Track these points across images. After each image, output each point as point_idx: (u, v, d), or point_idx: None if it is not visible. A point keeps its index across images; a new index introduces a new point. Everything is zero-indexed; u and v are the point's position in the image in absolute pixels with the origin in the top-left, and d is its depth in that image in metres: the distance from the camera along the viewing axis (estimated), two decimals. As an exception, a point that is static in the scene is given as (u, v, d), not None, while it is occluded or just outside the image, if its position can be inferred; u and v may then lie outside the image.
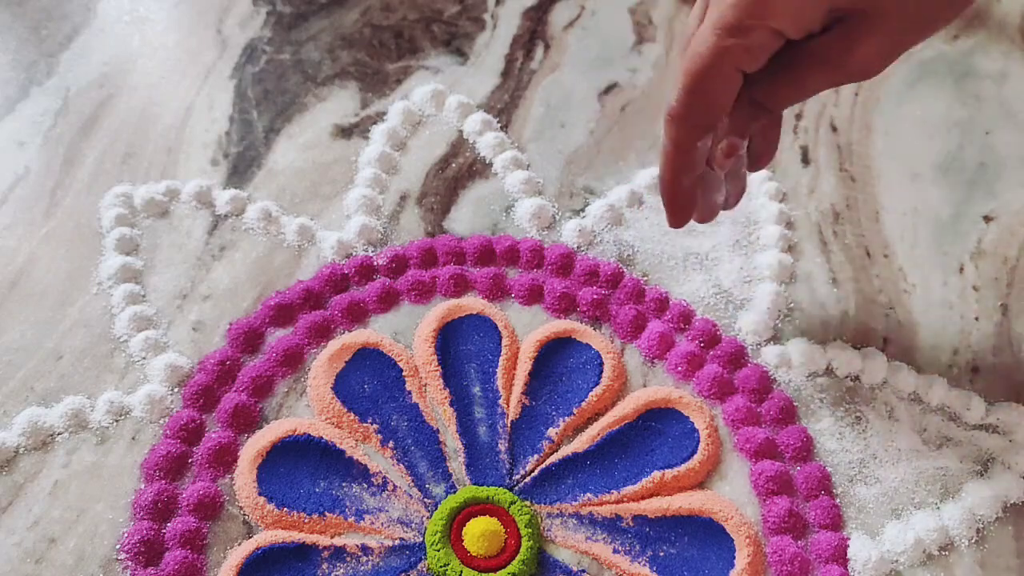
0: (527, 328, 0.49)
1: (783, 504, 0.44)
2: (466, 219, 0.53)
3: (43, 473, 0.43)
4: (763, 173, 0.56)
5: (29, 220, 0.52)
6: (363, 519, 0.43)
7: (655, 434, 0.46)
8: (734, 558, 0.42)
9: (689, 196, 0.42)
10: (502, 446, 0.45)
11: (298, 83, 0.60)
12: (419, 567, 0.42)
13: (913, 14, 0.37)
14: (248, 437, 0.45)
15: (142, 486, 0.43)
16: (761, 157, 0.44)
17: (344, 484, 0.43)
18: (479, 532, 0.42)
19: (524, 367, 0.47)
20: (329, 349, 0.47)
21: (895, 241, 0.54)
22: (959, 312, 0.52)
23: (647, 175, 0.56)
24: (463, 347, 0.48)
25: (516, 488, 0.44)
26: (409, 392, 0.46)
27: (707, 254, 0.53)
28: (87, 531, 0.42)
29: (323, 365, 0.47)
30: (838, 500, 0.45)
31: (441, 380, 0.47)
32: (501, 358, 0.47)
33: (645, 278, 0.52)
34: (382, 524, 0.43)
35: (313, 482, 0.43)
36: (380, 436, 0.45)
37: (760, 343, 0.50)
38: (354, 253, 0.52)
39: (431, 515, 0.43)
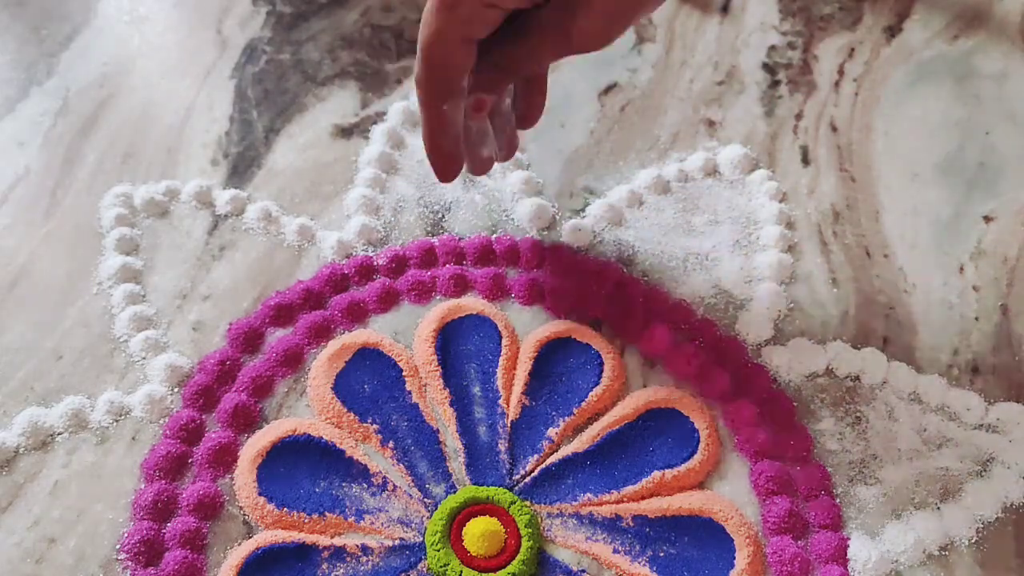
0: (527, 328, 0.49)
1: (783, 504, 0.44)
2: (466, 219, 0.53)
3: (43, 473, 0.43)
4: (763, 173, 0.56)
5: (29, 220, 0.52)
6: (363, 519, 0.43)
7: (655, 434, 0.46)
8: (734, 558, 0.42)
9: (451, 153, 0.44)
10: (502, 446, 0.45)
11: (298, 83, 0.60)
12: (419, 567, 0.42)
13: None
14: (248, 437, 0.45)
15: (142, 486, 0.43)
16: (526, 116, 0.48)
17: (344, 484, 0.43)
18: (479, 532, 0.42)
19: (524, 367, 0.47)
20: (329, 349, 0.47)
21: (895, 241, 0.54)
22: (959, 312, 0.52)
23: (647, 175, 0.56)
24: (463, 347, 0.48)
25: (516, 488, 0.44)
26: (409, 392, 0.46)
27: (707, 254, 0.53)
28: (87, 531, 0.42)
29: (323, 365, 0.47)
30: (838, 500, 0.45)
31: (441, 380, 0.47)
32: (501, 358, 0.47)
33: (645, 278, 0.52)
34: (382, 524, 0.43)
35: (313, 482, 0.43)
36: (380, 436, 0.45)
37: (760, 343, 0.50)
38: (354, 253, 0.52)
39: (431, 515, 0.43)
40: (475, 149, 0.46)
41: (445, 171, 0.45)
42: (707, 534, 0.43)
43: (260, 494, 0.43)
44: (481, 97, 0.43)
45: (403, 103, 0.58)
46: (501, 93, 0.45)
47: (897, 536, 0.44)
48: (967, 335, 0.51)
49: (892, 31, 0.65)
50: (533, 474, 0.45)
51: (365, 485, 0.43)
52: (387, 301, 0.50)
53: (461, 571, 0.41)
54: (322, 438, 0.44)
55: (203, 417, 0.45)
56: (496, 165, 0.49)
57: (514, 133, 0.49)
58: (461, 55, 0.41)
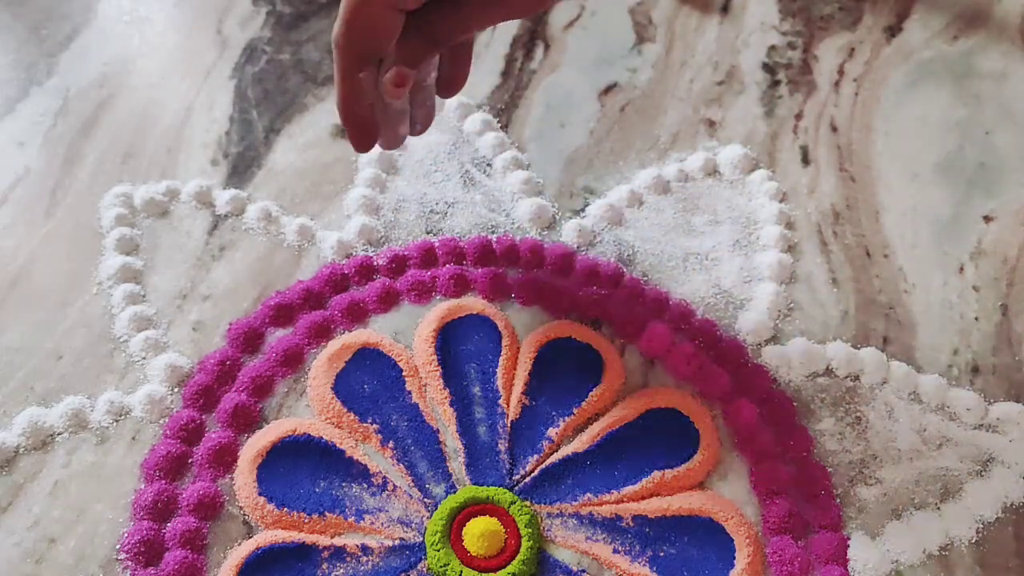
0: (527, 328, 0.49)
1: (783, 504, 0.44)
2: (466, 219, 0.53)
3: (43, 473, 0.43)
4: (763, 173, 0.56)
5: (29, 220, 0.52)
6: (363, 519, 0.43)
7: (655, 434, 0.46)
8: (734, 558, 0.42)
9: (365, 121, 0.43)
10: (502, 446, 0.45)
11: (298, 83, 0.60)
12: (419, 567, 0.42)
13: None
14: (248, 437, 0.45)
15: (142, 486, 0.43)
16: (451, 83, 0.46)
17: (344, 484, 0.43)
18: (479, 532, 0.42)
19: (524, 367, 0.47)
20: (329, 349, 0.47)
21: (895, 241, 0.54)
22: (959, 312, 0.52)
23: (647, 175, 0.56)
24: (463, 347, 0.48)
25: (516, 488, 0.44)
26: (409, 392, 0.46)
27: (707, 254, 0.53)
28: (87, 531, 0.42)
29: (323, 365, 0.47)
30: (838, 500, 0.45)
31: (441, 380, 0.47)
32: (501, 358, 0.47)
33: (645, 278, 0.52)
34: (382, 524, 0.43)
35: (313, 482, 0.43)
36: (380, 436, 0.45)
37: (760, 343, 0.50)
38: (354, 253, 0.52)
39: (431, 515, 0.43)
40: (391, 125, 0.45)
41: (360, 140, 0.44)
42: (707, 534, 0.43)
43: (260, 494, 0.43)
44: (403, 71, 0.41)
45: (403, 103, 0.58)
46: (422, 67, 0.43)
47: (897, 536, 0.44)
48: (967, 335, 0.51)
49: (892, 31, 0.65)
50: (533, 474, 0.45)
51: (365, 485, 0.43)
52: (387, 301, 0.50)
53: (461, 571, 0.41)
54: (322, 438, 0.44)
55: (203, 417, 0.45)
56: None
57: (432, 105, 0.47)
58: (388, 23, 0.39)
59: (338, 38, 0.40)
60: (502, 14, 0.40)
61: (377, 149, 0.46)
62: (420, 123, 0.47)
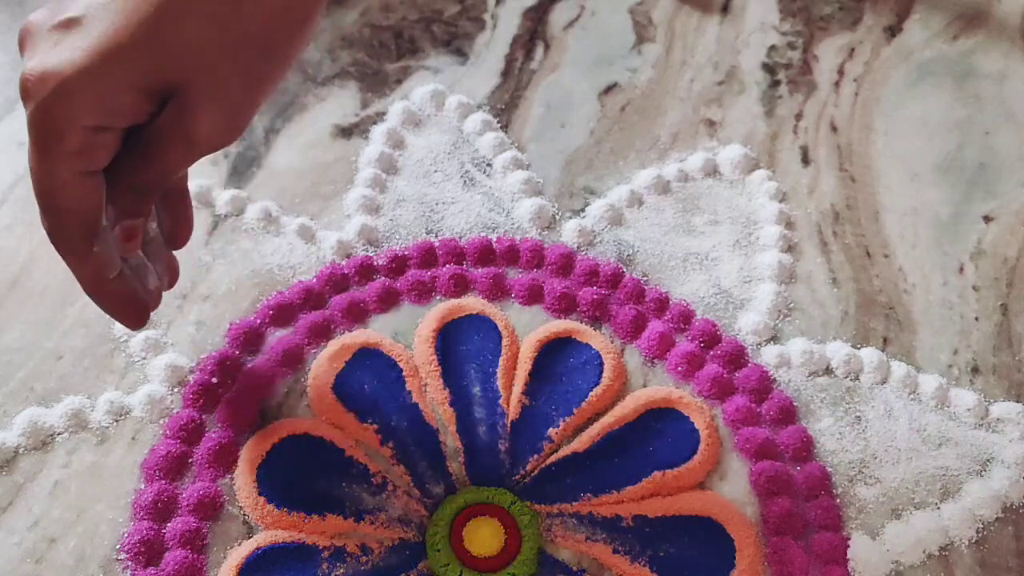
0: (527, 328, 0.49)
1: (783, 504, 0.44)
2: (466, 219, 0.53)
3: (43, 473, 0.43)
4: (763, 173, 0.56)
5: (29, 220, 0.52)
6: (363, 519, 0.42)
7: (655, 434, 0.46)
8: (734, 558, 0.42)
9: (126, 295, 0.38)
10: (502, 446, 0.45)
11: (298, 83, 0.60)
12: (419, 567, 0.42)
13: (239, 78, 0.34)
14: (248, 437, 0.45)
15: (142, 486, 0.43)
16: (175, 235, 0.41)
17: (344, 484, 0.43)
18: (479, 532, 0.42)
19: (524, 367, 0.47)
20: (329, 349, 0.47)
21: (895, 241, 0.54)
22: (959, 312, 0.52)
23: (647, 175, 0.56)
24: (463, 347, 0.48)
25: (516, 488, 0.44)
26: (409, 392, 0.46)
27: (707, 254, 0.53)
28: (87, 531, 0.42)
29: (323, 365, 0.47)
30: (838, 500, 0.45)
31: (441, 380, 0.47)
32: (501, 358, 0.47)
33: (645, 278, 0.52)
34: (382, 524, 0.43)
35: (313, 482, 0.43)
36: (380, 436, 0.45)
37: (760, 343, 0.50)
38: (354, 253, 0.52)
39: (431, 515, 0.43)
40: (141, 283, 0.40)
41: (129, 316, 0.39)
42: (707, 534, 0.43)
43: (260, 494, 0.43)
44: (128, 224, 0.36)
45: (403, 103, 0.58)
46: (146, 214, 0.37)
47: (897, 536, 0.44)
48: (967, 335, 0.51)
49: (892, 31, 0.65)
50: (533, 474, 0.45)
51: (365, 485, 0.43)
52: (387, 301, 0.50)
53: (461, 571, 0.41)
54: (322, 438, 0.44)
55: (203, 417, 0.45)
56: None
57: (171, 256, 0.42)
58: (88, 192, 0.34)
59: (47, 226, 0.35)
60: (193, 154, 0.35)
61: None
62: (165, 275, 0.42)
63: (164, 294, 0.49)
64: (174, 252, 0.42)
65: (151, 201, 0.37)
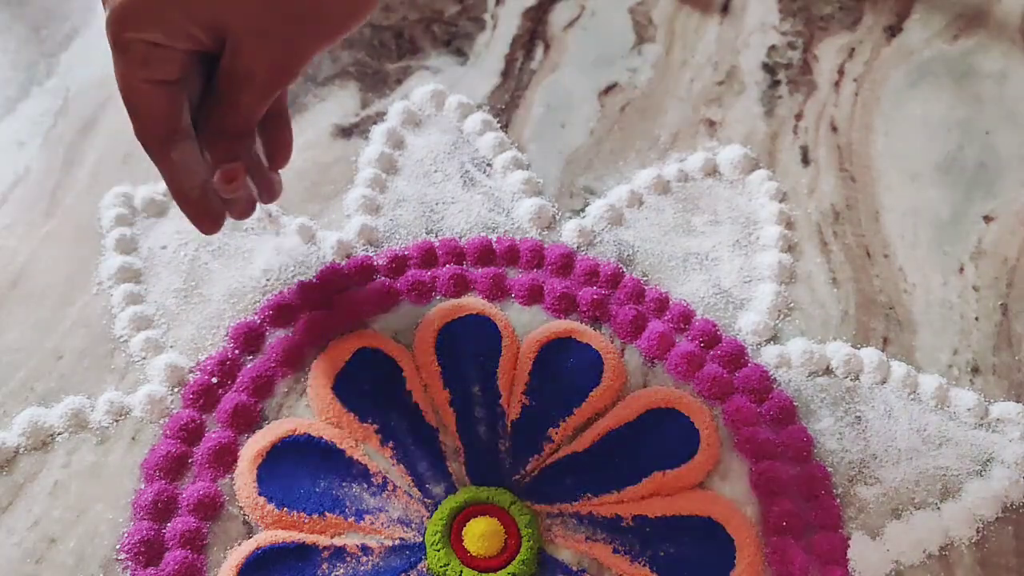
0: (527, 328, 0.49)
1: (783, 504, 0.44)
2: (466, 219, 0.53)
3: (43, 473, 0.43)
4: (763, 173, 0.56)
5: (29, 220, 0.52)
6: (363, 519, 0.43)
7: (655, 434, 0.46)
8: (734, 558, 0.42)
9: (201, 201, 0.41)
10: (502, 446, 0.45)
11: (298, 83, 0.59)
12: (419, 567, 0.42)
13: (289, 29, 0.37)
14: (248, 437, 0.45)
15: (142, 486, 0.43)
16: (274, 157, 0.44)
17: (344, 484, 0.43)
18: (479, 532, 0.42)
19: (524, 367, 0.47)
20: (329, 349, 0.47)
21: (895, 241, 0.54)
22: (959, 312, 0.52)
23: (647, 175, 0.56)
24: (463, 347, 0.48)
25: (516, 488, 0.44)
26: (409, 392, 0.46)
27: (707, 254, 0.53)
28: (87, 531, 0.42)
29: (323, 365, 0.47)
30: (838, 500, 0.45)
31: (441, 380, 0.47)
32: (501, 358, 0.47)
33: (645, 278, 0.52)
34: (382, 524, 0.43)
35: (313, 482, 0.43)
36: (380, 436, 0.45)
37: (760, 343, 0.50)
38: (354, 253, 0.52)
39: (431, 515, 0.43)
40: (236, 198, 0.43)
41: (201, 220, 0.42)
42: (707, 534, 0.43)
43: (260, 494, 0.43)
44: (228, 169, 0.40)
45: (403, 103, 0.58)
46: (242, 156, 0.41)
47: (897, 536, 0.44)
48: (967, 335, 0.51)
49: (892, 31, 0.65)
50: (533, 474, 0.45)
51: (365, 485, 0.43)
52: (387, 301, 0.50)
53: (461, 571, 0.41)
54: (322, 438, 0.44)
55: (203, 417, 0.45)
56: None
57: (273, 175, 0.45)
58: (159, 100, 0.38)
59: (134, 129, 0.39)
60: (257, 91, 0.39)
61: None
62: (266, 194, 0.45)
63: (164, 293, 0.49)
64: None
65: (243, 144, 0.41)
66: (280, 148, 0.44)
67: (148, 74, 0.37)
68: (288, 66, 0.39)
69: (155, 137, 0.39)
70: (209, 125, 0.40)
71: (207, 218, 0.42)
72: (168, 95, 0.38)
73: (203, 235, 0.43)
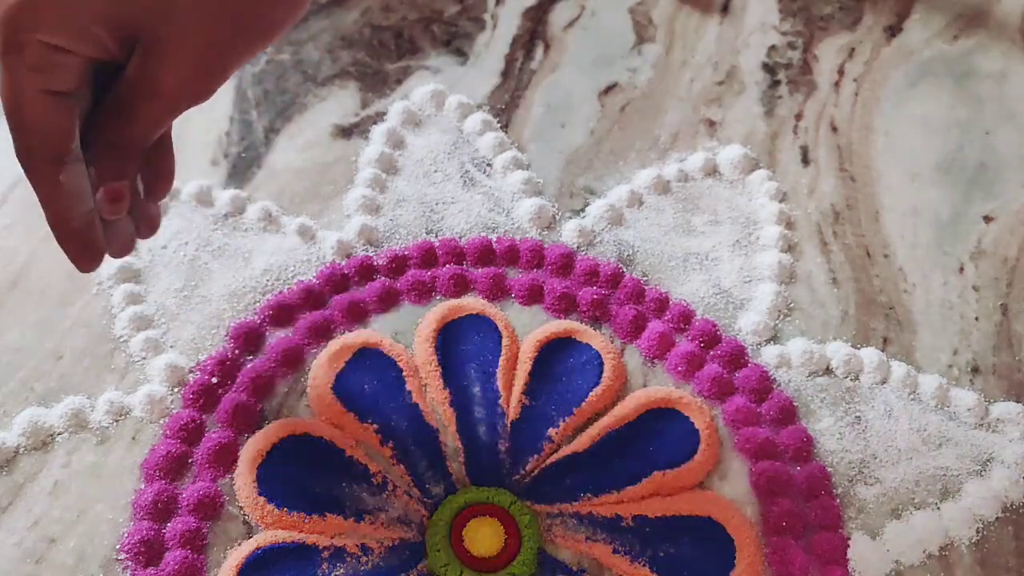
0: (527, 328, 0.49)
1: (783, 504, 0.44)
2: (466, 219, 0.53)
3: (43, 473, 0.43)
4: (763, 173, 0.56)
5: (29, 220, 0.52)
6: (363, 519, 0.42)
7: (655, 434, 0.46)
8: (734, 558, 0.42)
9: (87, 235, 0.36)
10: (502, 446, 0.45)
11: (298, 83, 0.60)
12: (419, 567, 0.42)
13: (208, 36, 0.34)
14: (248, 437, 0.45)
15: (142, 486, 0.43)
16: (153, 188, 0.40)
17: (344, 484, 0.43)
18: (479, 532, 0.42)
19: (524, 367, 0.47)
20: (329, 349, 0.47)
21: (895, 241, 0.54)
22: (959, 312, 0.52)
23: (647, 175, 0.56)
24: (463, 347, 0.48)
25: (516, 488, 0.44)
26: (409, 392, 0.46)
27: (707, 254, 0.53)
28: (87, 531, 0.42)
29: (323, 365, 0.47)
30: (838, 500, 0.45)
31: (441, 380, 0.47)
32: (501, 358, 0.47)
33: (645, 278, 0.52)
34: (382, 524, 0.43)
35: (313, 482, 0.43)
36: (380, 436, 0.45)
37: (760, 343, 0.50)
38: (354, 253, 0.52)
39: (431, 515, 0.43)
40: (117, 232, 0.39)
41: (82, 255, 0.37)
42: (707, 534, 0.43)
43: (260, 494, 0.43)
44: (112, 187, 0.36)
45: (403, 103, 0.58)
46: (130, 176, 0.37)
47: (897, 536, 0.44)
48: (967, 335, 0.51)
49: (892, 31, 0.65)
50: (533, 474, 0.45)
51: (365, 485, 0.43)
52: (387, 301, 0.50)
53: (461, 571, 0.41)
54: (322, 438, 0.44)
55: (203, 417, 0.45)
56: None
57: (153, 207, 0.41)
58: (53, 113, 0.33)
59: (15, 150, 0.34)
60: (165, 106, 0.35)
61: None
62: (145, 226, 0.40)
63: (164, 293, 0.49)
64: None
65: (133, 161, 0.37)
66: (162, 177, 0.40)
67: (43, 83, 0.33)
68: (208, 78, 0.35)
69: (44, 157, 0.34)
70: (99, 140, 0.35)
71: (89, 252, 0.37)
72: (63, 108, 0.34)
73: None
